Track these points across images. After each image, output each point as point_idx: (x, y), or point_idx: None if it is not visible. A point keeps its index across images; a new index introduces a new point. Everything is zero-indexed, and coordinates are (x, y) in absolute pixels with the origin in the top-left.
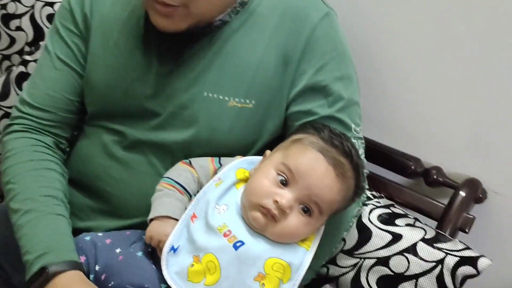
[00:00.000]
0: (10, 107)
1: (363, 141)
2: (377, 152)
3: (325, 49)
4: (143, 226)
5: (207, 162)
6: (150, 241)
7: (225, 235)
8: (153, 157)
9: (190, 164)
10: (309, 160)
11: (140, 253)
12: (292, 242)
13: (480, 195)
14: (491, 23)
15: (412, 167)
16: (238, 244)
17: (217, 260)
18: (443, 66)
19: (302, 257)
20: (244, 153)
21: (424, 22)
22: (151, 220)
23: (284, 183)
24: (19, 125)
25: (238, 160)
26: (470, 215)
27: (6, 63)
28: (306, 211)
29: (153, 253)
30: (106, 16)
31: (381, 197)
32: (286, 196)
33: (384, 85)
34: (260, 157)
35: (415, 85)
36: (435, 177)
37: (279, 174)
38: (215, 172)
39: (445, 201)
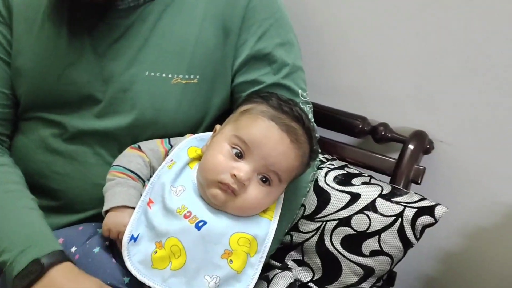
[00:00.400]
0: None
1: (311, 105)
2: (324, 115)
3: (264, 15)
4: (97, 218)
5: (157, 145)
6: (108, 234)
7: (185, 216)
8: (99, 146)
9: (139, 148)
10: (262, 129)
11: (97, 249)
12: (254, 214)
13: (428, 146)
14: None
15: (360, 126)
16: (200, 224)
17: (181, 243)
18: (381, 21)
19: (267, 228)
20: (193, 131)
21: None
22: (106, 212)
23: (240, 156)
24: None
25: (188, 139)
26: (421, 166)
27: None
28: (265, 181)
29: (111, 247)
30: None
31: (333, 159)
32: (243, 168)
33: (323, 46)
34: (210, 133)
35: (354, 44)
36: (383, 133)
37: (233, 147)
38: (166, 154)
39: (395, 155)
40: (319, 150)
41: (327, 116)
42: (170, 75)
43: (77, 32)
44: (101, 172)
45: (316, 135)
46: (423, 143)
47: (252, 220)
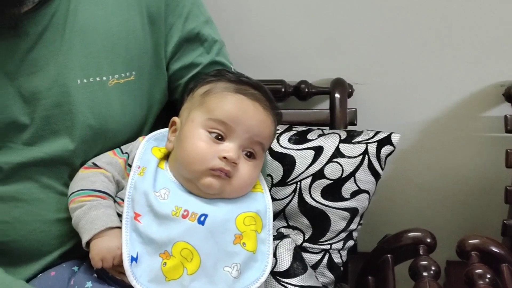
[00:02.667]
0: None
1: None
2: None
3: None
4: (65, 258)
5: (111, 157)
6: (101, 264)
7: (183, 216)
8: (45, 177)
9: (95, 166)
10: (235, 103)
11: (89, 284)
12: (247, 192)
13: (350, 90)
14: None
15: (282, 90)
16: (202, 219)
17: (190, 244)
18: None
19: (263, 201)
20: (138, 132)
21: None
22: (88, 242)
23: (220, 138)
24: None
25: (144, 141)
26: (351, 108)
27: None
28: (250, 155)
29: (103, 277)
30: None
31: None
32: (230, 148)
33: (230, 18)
34: (163, 130)
35: (258, 9)
36: (306, 90)
37: (210, 132)
38: (126, 163)
39: (325, 107)
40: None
41: None
42: (105, 78)
43: None
44: (56, 205)
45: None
46: (345, 88)
47: (248, 198)
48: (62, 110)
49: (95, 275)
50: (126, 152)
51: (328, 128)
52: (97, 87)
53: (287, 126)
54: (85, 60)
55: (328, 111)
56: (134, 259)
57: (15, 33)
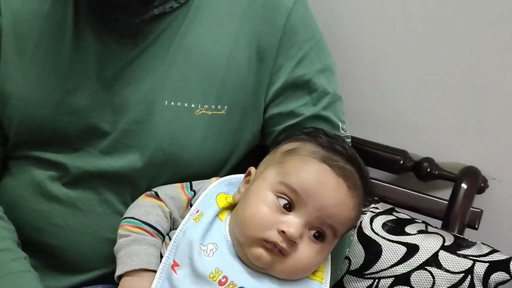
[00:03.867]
0: None
1: (350, 140)
2: (360, 149)
3: (304, 37)
4: (104, 280)
5: (178, 191)
6: None
7: (220, 283)
8: (107, 191)
9: (156, 196)
10: (315, 174)
11: None
12: (304, 277)
13: (482, 184)
14: None
15: (401, 162)
16: None
17: None
18: (425, 45)
19: None
20: (217, 171)
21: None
22: (121, 276)
23: (288, 208)
24: None
25: (215, 183)
26: (477, 208)
27: None
28: (318, 236)
29: None
30: (19, 12)
31: (376, 201)
32: (293, 223)
33: (358, 73)
34: (240, 176)
35: (394, 69)
36: (428, 170)
37: (279, 197)
38: (189, 202)
39: (442, 195)
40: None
41: (363, 150)
42: (193, 105)
43: (81, 50)
44: (110, 223)
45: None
46: (477, 181)
47: (301, 285)
48: (141, 128)
49: None
50: (194, 190)
51: (440, 223)
52: (183, 113)
53: (390, 207)
54: (179, 82)
55: (447, 202)
56: None
57: (124, 41)
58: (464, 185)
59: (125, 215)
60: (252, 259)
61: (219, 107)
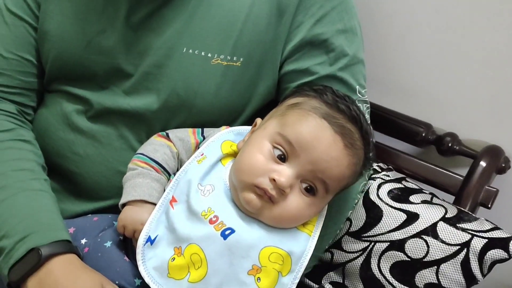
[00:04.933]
0: None
1: (368, 105)
2: (382, 117)
3: None
4: (115, 209)
5: (188, 134)
6: (123, 231)
7: (211, 221)
8: (125, 128)
9: (167, 137)
10: (312, 128)
11: (109, 243)
12: (292, 227)
13: (503, 165)
14: None
15: (423, 134)
16: (227, 232)
17: (203, 252)
18: (459, 15)
19: (304, 245)
20: (230, 122)
21: None
22: (124, 205)
23: (282, 158)
24: None
25: (224, 131)
26: (492, 187)
27: None
28: (309, 190)
29: (125, 242)
30: None
31: (389, 170)
32: (285, 172)
33: (388, 40)
34: (249, 127)
35: (425, 39)
36: (450, 145)
37: (275, 147)
38: (197, 146)
39: (462, 172)
40: (373, 157)
41: (386, 119)
42: (210, 54)
43: None
44: (125, 158)
45: (372, 140)
46: (497, 160)
47: (288, 234)
48: (159, 71)
49: (121, 237)
50: (204, 136)
51: (453, 198)
52: (199, 61)
53: (401, 177)
54: (198, 31)
55: (462, 178)
56: (150, 240)
57: None
58: (483, 163)
59: (137, 151)
60: (243, 202)
61: (234, 58)
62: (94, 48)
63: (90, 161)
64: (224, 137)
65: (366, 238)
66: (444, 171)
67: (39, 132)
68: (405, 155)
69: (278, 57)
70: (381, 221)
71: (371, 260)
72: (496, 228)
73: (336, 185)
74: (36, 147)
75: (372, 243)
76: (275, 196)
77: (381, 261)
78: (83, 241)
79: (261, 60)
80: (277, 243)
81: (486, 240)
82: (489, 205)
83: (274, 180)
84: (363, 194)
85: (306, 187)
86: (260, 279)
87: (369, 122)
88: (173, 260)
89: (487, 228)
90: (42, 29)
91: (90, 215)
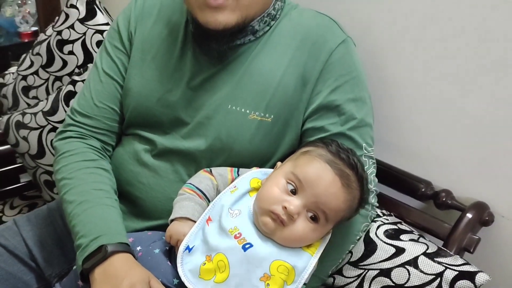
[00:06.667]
0: (57, 122)
1: (374, 161)
2: (389, 174)
3: (340, 72)
4: (164, 227)
5: (226, 172)
6: (169, 240)
7: (235, 237)
8: (179, 164)
9: (210, 172)
10: (317, 170)
11: (157, 250)
12: (298, 247)
13: (487, 218)
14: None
15: (423, 190)
16: (247, 246)
17: (227, 259)
18: (454, 91)
19: (306, 262)
20: (261, 165)
21: (433, 50)
22: (172, 220)
23: (293, 192)
24: (71, 131)
25: (254, 171)
26: (475, 236)
27: (57, 84)
28: (314, 218)
29: (170, 252)
30: (148, 34)
31: (389, 215)
32: (294, 202)
33: (397, 109)
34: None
35: (427, 110)
36: (444, 199)
37: (288, 183)
38: (233, 181)
39: (453, 223)
40: (377, 204)
41: (392, 175)
42: (248, 111)
43: (181, 65)
44: (176, 188)
45: (370, 186)
46: (481, 214)
47: (294, 252)
48: (209, 122)
49: (167, 248)
50: (239, 174)
51: (442, 243)
52: (239, 115)
53: (398, 221)
54: (240, 93)
55: (451, 227)
56: (189, 249)
57: (211, 61)
58: (469, 215)
59: (187, 182)
60: (261, 224)
61: (266, 115)
62: (162, 103)
63: (150, 189)
64: (254, 175)
65: (361, 266)
66: (436, 220)
67: (115, 165)
68: (405, 205)
69: (301, 117)
70: (375, 253)
71: (364, 284)
72: (467, 263)
73: (335, 216)
74: (112, 176)
75: (366, 271)
76: (286, 221)
77: (371, 285)
78: (138, 248)
79: (288, 118)
80: (285, 258)
81: (457, 272)
82: (472, 250)
83: (285, 207)
84: (364, 233)
85: (311, 216)
86: (269, 285)
87: (373, 175)
88: (204, 264)
89: (459, 263)
90: (126, 87)
91: (146, 231)
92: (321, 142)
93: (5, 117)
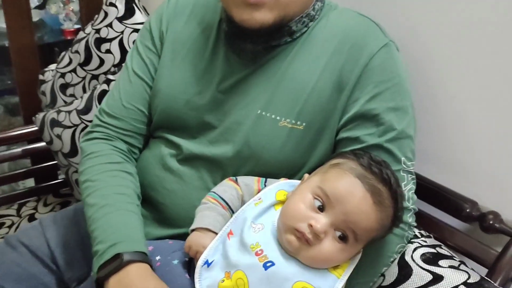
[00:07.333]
0: (90, 121)
1: (414, 176)
2: (430, 190)
3: (381, 78)
4: (186, 237)
5: (253, 181)
6: (188, 250)
7: (256, 254)
8: (205, 171)
9: (236, 181)
10: (346, 185)
11: (176, 261)
12: (324, 268)
13: None
14: None
15: (468, 210)
16: (268, 264)
17: (246, 277)
18: (507, 103)
19: (332, 285)
20: (291, 175)
21: (484, 57)
22: (193, 230)
23: (321, 208)
24: (98, 132)
25: (281, 182)
26: None
27: (93, 82)
28: (342, 238)
29: (189, 263)
30: (179, 33)
31: (428, 237)
32: (321, 220)
33: (443, 120)
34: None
35: (476, 122)
36: (491, 222)
37: (315, 198)
38: (259, 192)
39: (500, 249)
40: (415, 224)
41: (433, 192)
42: (278, 117)
43: (211, 67)
44: (201, 195)
45: (407, 203)
46: None
47: (319, 273)
48: (237, 127)
49: (187, 259)
50: (266, 185)
51: (486, 271)
52: (269, 121)
53: (437, 243)
54: (271, 98)
55: (497, 254)
56: (207, 263)
57: (243, 63)
58: None
59: (211, 190)
60: (285, 242)
61: (298, 122)
62: (191, 106)
63: (174, 195)
64: (280, 187)
65: None
66: (481, 245)
67: (140, 169)
68: (447, 226)
69: (336, 125)
70: (410, 278)
71: None
72: None
73: (365, 236)
74: (136, 179)
75: None
76: (311, 240)
77: None
78: (157, 257)
79: (321, 126)
80: (309, 279)
81: None
82: None
83: (311, 225)
84: (399, 254)
85: (339, 235)
86: None
87: (412, 191)
88: (223, 281)
89: None
90: (156, 88)
91: (167, 239)
92: (352, 154)
93: (41, 114)
